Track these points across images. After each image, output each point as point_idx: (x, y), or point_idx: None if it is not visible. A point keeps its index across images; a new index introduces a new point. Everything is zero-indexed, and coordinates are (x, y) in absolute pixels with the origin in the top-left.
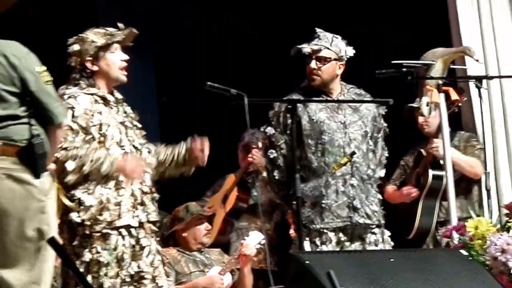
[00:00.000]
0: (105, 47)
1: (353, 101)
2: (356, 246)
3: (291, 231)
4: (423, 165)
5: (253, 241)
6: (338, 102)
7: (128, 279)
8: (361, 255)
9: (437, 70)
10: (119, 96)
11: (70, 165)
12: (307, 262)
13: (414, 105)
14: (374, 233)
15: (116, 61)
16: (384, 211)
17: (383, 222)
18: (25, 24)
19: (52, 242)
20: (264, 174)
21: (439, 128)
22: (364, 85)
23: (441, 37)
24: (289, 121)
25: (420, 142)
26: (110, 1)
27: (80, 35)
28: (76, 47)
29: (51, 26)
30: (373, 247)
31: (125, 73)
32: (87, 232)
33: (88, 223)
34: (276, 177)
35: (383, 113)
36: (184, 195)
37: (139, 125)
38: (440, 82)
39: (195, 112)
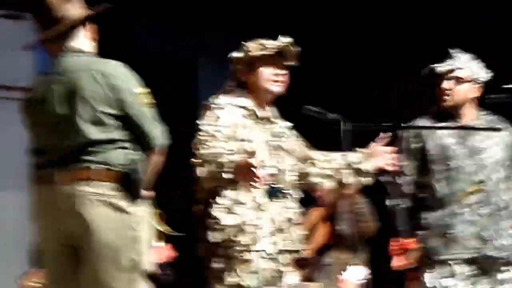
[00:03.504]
0: (260, 59)
1: (451, 127)
2: (484, 283)
3: (393, 264)
4: None
5: (351, 276)
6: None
7: None
8: None
9: None
10: (273, 113)
11: (200, 171)
12: None
13: None
14: (501, 271)
15: (268, 74)
16: None
17: None
18: None
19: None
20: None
21: None
22: None
23: None
24: (414, 146)
25: None
26: None
27: (244, 42)
28: (235, 54)
29: None
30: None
31: (279, 84)
32: (226, 253)
33: (224, 244)
34: (403, 206)
35: None
36: None
37: (287, 147)
38: None
39: None
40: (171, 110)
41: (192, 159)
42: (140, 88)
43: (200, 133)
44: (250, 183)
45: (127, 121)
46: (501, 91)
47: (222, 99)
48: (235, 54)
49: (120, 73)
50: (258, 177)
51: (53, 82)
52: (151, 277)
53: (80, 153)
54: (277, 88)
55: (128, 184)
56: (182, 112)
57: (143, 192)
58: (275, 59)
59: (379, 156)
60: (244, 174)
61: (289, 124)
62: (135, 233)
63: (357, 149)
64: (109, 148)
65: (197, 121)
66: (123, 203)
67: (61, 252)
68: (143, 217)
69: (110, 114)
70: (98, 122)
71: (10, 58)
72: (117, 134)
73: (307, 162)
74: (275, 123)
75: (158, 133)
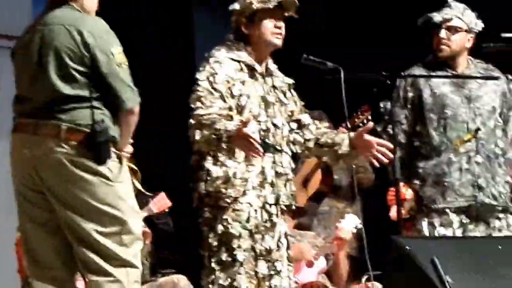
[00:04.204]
0: (261, 11)
1: (450, 76)
2: (481, 230)
3: (392, 213)
4: None
5: (348, 224)
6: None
7: (264, 253)
8: (466, 242)
9: None
10: (271, 67)
11: (198, 134)
12: (409, 247)
13: None
14: (499, 218)
15: (269, 26)
16: None
17: (510, 205)
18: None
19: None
20: None
21: None
22: None
23: None
24: (410, 94)
25: None
26: None
27: None
28: (236, 5)
29: None
30: (497, 234)
31: (280, 37)
32: (216, 204)
33: (214, 195)
34: (398, 154)
35: None
36: None
37: (286, 101)
38: None
39: None
40: (167, 64)
41: (190, 120)
42: (116, 47)
43: (198, 88)
44: (250, 154)
45: (99, 80)
46: (499, 40)
47: (221, 53)
48: (236, 6)
49: (96, 31)
50: (257, 149)
51: (35, 32)
52: (150, 226)
53: (51, 108)
54: (278, 41)
55: (95, 144)
56: (179, 65)
57: (119, 151)
58: (276, 10)
59: (367, 147)
60: (242, 144)
61: (291, 80)
62: (107, 190)
63: (350, 134)
64: (79, 106)
65: (196, 75)
66: (90, 163)
67: (34, 197)
68: (116, 174)
69: (82, 72)
70: (70, 78)
71: (9, 8)
72: (87, 92)
73: (297, 128)
74: (275, 77)
75: (129, 94)
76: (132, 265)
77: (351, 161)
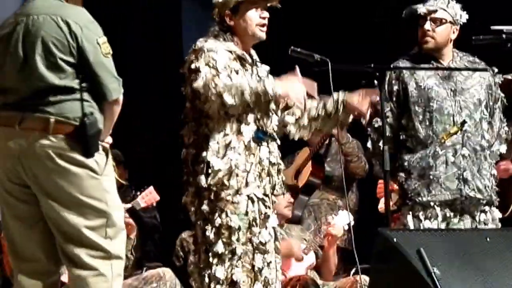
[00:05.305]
0: (246, 3)
1: (444, 68)
2: (465, 224)
3: (380, 206)
4: None
5: (341, 221)
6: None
7: (261, 246)
8: (454, 234)
9: None
10: (255, 57)
11: (228, 98)
12: (395, 240)
13: (509, 76)
14: (484, 212)
15: (254, 17)
16: None
17: (495, 199)
18: None
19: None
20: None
21: None
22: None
23: None
24: (395, 87)
25: None
26: None
27: None
28: None
29: None
30: (482, 227)
31: (264, 29)
32: (216, 196)
33: (215, 188)
34: (385, 148)
35: (500, 82)
36: None
37: None
38: None
39: None
40: (155, 57)
41: (211, 89)
42: (102, 37)
43: (203, 74)
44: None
45: (85, 70)
46: (488, 32)
47: (212, 43)
48: None
49: (82, 20)
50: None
51: (17, 23)
52: (136, 219)
53: (38, 99)
54: (263, 33)
55: (84, 137)
56: (166, 57)
57: (101, 142)
58: (259, 1)
59: (360, 105)
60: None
61: (267, 67)
62: (94, 182)
63: (342, 93)
64: (67, 98)
65: (192, 65)
66: (79, 156)
67: (18, 191)
68: (103, 167)
69: (68, 62)
70: (56, 68)
71: None
72: (75, 83)
73: (286, 110)
74: (258, 67)
75: (114, 84)
76: (117, 257)
77: (346, 124)
